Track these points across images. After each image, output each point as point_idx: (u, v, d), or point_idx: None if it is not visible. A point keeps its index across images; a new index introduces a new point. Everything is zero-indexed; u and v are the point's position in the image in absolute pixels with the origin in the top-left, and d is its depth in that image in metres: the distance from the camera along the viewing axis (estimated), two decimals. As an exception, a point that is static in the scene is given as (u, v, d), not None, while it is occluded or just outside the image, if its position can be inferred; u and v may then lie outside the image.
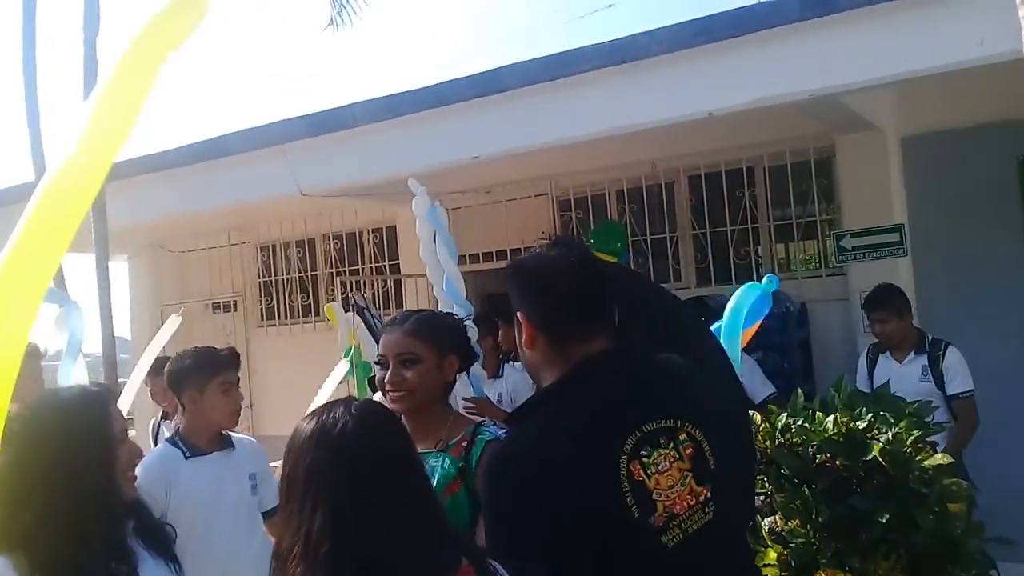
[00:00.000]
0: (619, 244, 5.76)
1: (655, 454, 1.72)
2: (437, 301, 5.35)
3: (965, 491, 2.90)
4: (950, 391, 4.35)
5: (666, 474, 1.72)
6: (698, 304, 5.02)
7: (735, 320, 3.82)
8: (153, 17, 1.16)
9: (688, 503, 1.73)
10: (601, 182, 6.74)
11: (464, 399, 3.51)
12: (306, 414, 1.51)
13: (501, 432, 2.16)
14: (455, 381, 2.31)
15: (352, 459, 1.41)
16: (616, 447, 1.69)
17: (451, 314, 2.37)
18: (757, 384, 4.59)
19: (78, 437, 1.74)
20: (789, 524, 2.83)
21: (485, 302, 7.82)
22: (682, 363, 1.92)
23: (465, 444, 2.15)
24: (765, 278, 3.96)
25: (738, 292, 3.83)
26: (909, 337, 4.47)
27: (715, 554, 1.79)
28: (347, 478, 1.39)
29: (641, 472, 1.69)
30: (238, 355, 3.08)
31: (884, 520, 2.72)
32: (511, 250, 7.23)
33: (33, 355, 3.30)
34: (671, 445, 1.75)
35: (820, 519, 2.77)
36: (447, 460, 2.12)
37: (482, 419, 2.26)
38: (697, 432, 1.79)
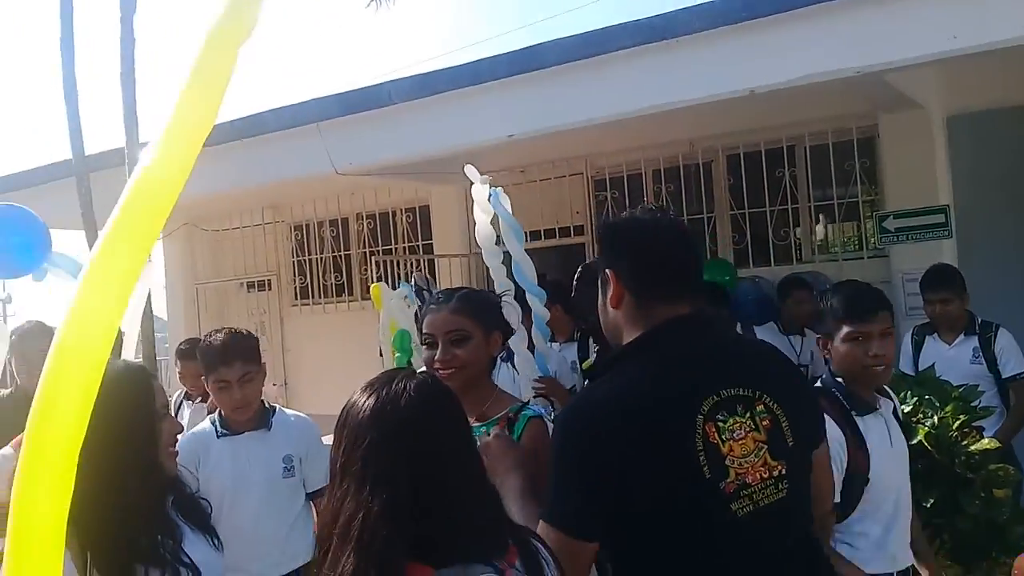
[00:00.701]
0: (727, 277, 5.73)
1: (731, 420, 1.71)
2: (472, 280, 5.30)
3: (1012, 477, 2.85)
4: (1006, 373, 4.29)
5: (740, 442, 1.70)
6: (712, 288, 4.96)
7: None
8: (224, 9, 1.14)
9: (761, 475, 1.71)
10: (637, 161, 6.66)
11: (534, 381, 3.54)
12: (363, 386, 1.47)
13: (545, 412, 2.18)
14: (497, 357, 2.33)
15: (413, 442, 1.38)
16: (693, 406, 1.68)
17: (492, 291, 2.38)
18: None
19: (124, 411, 1.74)
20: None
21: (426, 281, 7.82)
22: (762, 342, 1.94)
23: (510, 417, 2.17)
24: None
25: None
26: (963, 318, 4.39)
27: (782, 530, 1.76)
28: (407, 461, 1.36)
29: (716, 435, 1.68)
30: (248, 346, 2.93)
31: (929, 505, 2.69)
32: (545, 230, 7.19)
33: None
34: (747, 415, 1.73)
35: (864, 503, 2.73)
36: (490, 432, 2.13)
37: (526, 400, 2.27)
38: (776, 406, 1.77)
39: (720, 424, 1.69)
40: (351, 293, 8.47)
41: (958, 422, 2.85)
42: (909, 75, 4.48)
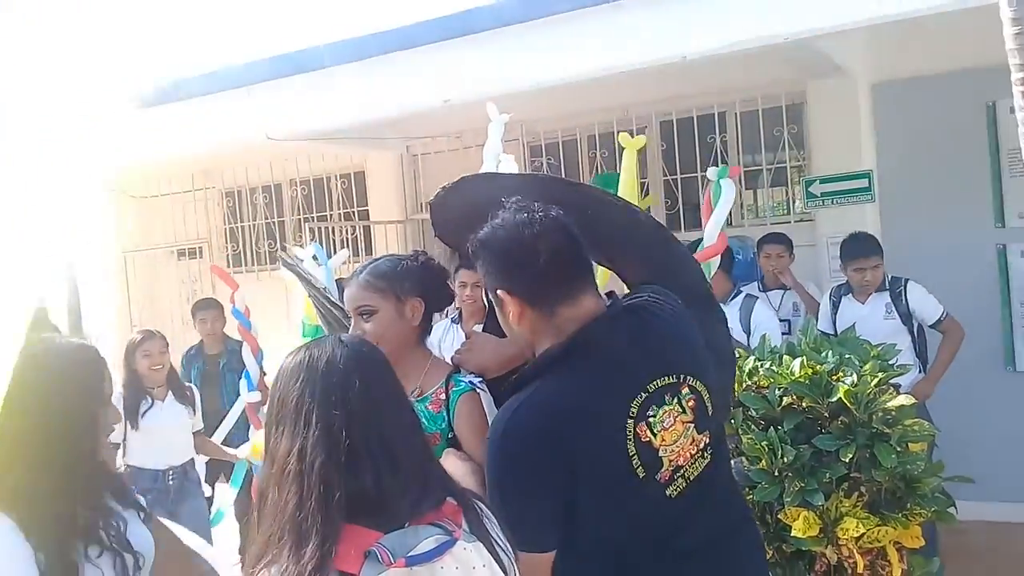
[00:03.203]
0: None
1: (660, 412, 1.76)
2: (407, 247, 5.28)
3: (926, 431, 2.99)
4: (930, 321, 4.57)
5: (671, 430, 1.76)
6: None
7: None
8: None
9: (690, 453, 1.79)
10: (572, 128, 6.69)
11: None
12: (291, 351, 1.49)
13: (475, 380, 2.16)
14: (428, 323, 2.26)
15: (344, 384, 1.40)
16: (622, 411, 1.71)
17: (422, 253, 2.31)
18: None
19: (76, 395, 1.72)
20: (755, 466, 2.91)
21: (423, 251, 7.79)
22: (674, 308, 1.92)
23: (443, 397, 2.13)
24: (714, 171, 4.22)
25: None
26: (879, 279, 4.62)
27: (712, 491, 1.85)
28: (340, 402, 1.38)
29: (648, 432, 1.73)
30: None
31: (848, 459, 2.80)
32: (481, 195, 7.18)
33: None
34: (675, 401, 1.78)
35: (785, 459, 2.85)
36: (426, 415, 2.11)
37: (455, 368, 2.24)
38: (697, 383, 1.83)
39: (651, 420, 1.74)
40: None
41: (876, 379, 2.97)
42: (837, 42, 4.58)
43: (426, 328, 2.26)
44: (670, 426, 1.77)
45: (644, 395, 1.74)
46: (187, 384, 4.96)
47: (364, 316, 2.15)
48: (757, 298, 4.77)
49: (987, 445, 4.87)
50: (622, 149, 5.76)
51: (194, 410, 4.84)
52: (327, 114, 5.26)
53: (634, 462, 1.70)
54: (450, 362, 2.25)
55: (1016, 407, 5.12)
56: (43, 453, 1.67)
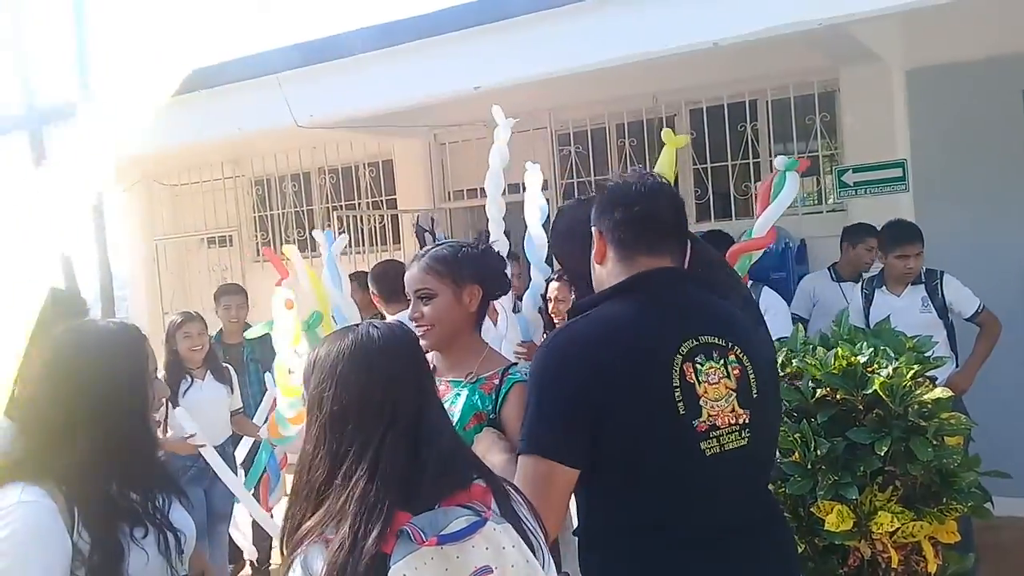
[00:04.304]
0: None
1: (707, 365, 1.80)
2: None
3: (963, 425, 2.93)
4: (967, 314, 4.47)
5: (714, 386, 1.80)
6: (718, 236, 4.96)
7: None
8: None
9: (729, 420, 1.80)
10: (601, 115, 6.65)
11: (517, 345, 3.55)
12: (324, 338, 1.51)
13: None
14: (483, 311, 2.30)
15: (375, 369, 1.44)
16: (673, 345, 1.77)
17: (483, 240, 2.36)
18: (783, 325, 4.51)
19: (122, 375, 1.75)
20: (787, 458, 2.87)
21: (485, 236, 7.79)
22: (731, 289, 2.08)
23: (496, 382, 2.17)
24: (782, 160, 3.89)
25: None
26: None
27: (741, 478, 1.85)
28: (371, 388, 1.42)
29: (693, 375, 1.77)
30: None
31: (882, 453, 2.76)
32: (509, 185, 7.14)
33: None
34: (721, 362, 1.82)
35: (818, 452, 2.81)
36: (478, 394, 2.14)
37: (515, 361, 2.27)
38: (745, 358, 1.86)
39: (697, 366, 1.78)
40: (314, 249, 8.37)
41: (912, 371, 2.92)
42: (871, 27, 4.49)
43: (482, 314, 2.29)
44: (714, 383, 1.80)
45: (694, 342, 1.79)
46: (225, 364, 5.04)
47: (423, 299, 2.19)
48: (763, 284, 4.67)
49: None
50: (656, 140, 5.70)
51: (232, 389, 4.95)
52: (357, 101, 5.26)
53: (676, 395, 1.74)
54: (504, 356, 2.29)
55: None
56: (92, 434, 1.69)
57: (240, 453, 5.23)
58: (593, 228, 1.94)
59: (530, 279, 3.42)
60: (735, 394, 1.82)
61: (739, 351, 1.85)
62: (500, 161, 3.61)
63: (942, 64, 5.28)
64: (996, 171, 5.23)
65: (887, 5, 3.64)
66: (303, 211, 8.48)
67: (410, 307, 2.21)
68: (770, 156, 6.21)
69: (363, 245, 7.44)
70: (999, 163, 5.23)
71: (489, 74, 4.65)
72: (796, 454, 2.81)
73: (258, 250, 8.74)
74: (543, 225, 3.37)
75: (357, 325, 1.50)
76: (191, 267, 8.85)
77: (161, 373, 4.38)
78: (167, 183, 8.79)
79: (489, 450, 1.88)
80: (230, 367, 5.08)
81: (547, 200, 6.78)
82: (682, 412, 1.73)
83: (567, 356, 1.76)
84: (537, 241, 3.56)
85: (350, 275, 6.38)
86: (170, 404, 4.54)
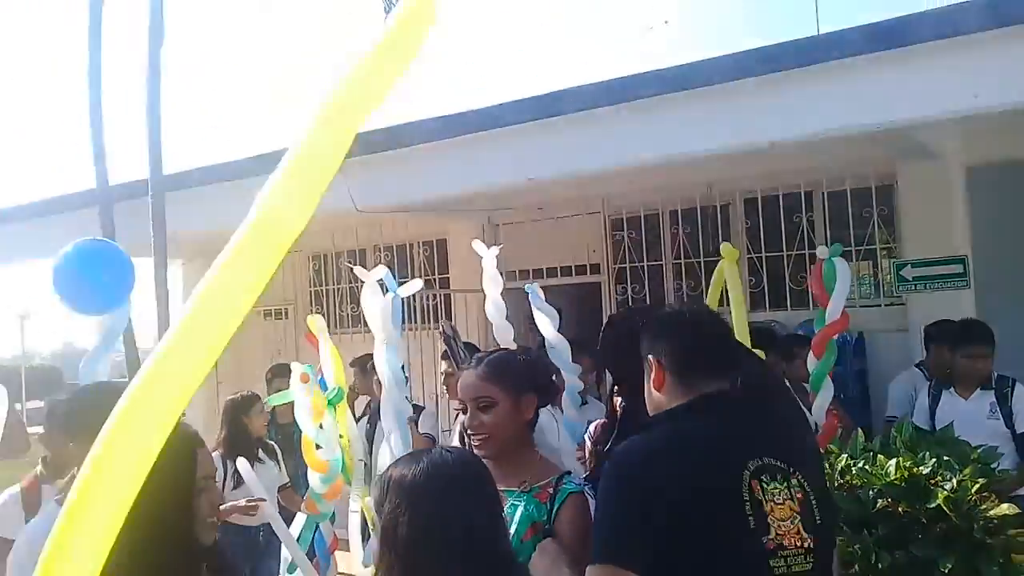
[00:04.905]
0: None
1: (772, 485, 1.81)
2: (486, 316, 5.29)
3: (1032, 544, 2.82)
4: (1019, 428, 4.26)
5: (780, 507, 1.80)
6: (762, 333, 4.91)
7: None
8: (387, 33, 1.14)
9: (795, 543, 1.80)
10: (654, 202, 6.70)
11: (577, 450, 3.56)
12: (397, 460, 1.54)
13: (587, 486, 2.17)
14: (536, 419, 2.30)
15: (447, 497, 1.48)
16: (742, 461, 1.80)
17: (525, 349, 2.39)
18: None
19: (162, 482, 1.76)
20: (848, 570, 2.79)
21: (452, 329, 7.82)
22: (792, 413, 2.12)
23: (551, 491, 2.14)
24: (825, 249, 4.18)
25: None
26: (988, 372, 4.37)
27: None
28: (444, 515, 1.46)
29: (760, 493, 1.79)
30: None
31: (946, 569, 2.67)
32: (561, 267, 7.22)
33: None
34: (785, 484, 1.83)
35: (880, 565, 2.73)
36: (533, 504, 2.12)
37: (568, 470, 2.26)
38: (807, 484, 1.86)
39: (764, 484, 1.79)
40: (367, 324, 8.49)
41: (977, 485, 2.84)
42: (929, 127, 4.50)
43: (535, 423, 2.29)
44: (780, 503, 1.80)
45: (760, 461, 1.81)
46: (270, 441, 5.16)
47: (483, 408, 2.18)
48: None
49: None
50: (710, 227, 5.74)
51: (279, 465, 4.97)
52: (414, 190, 5.38)
53: (747, 508, 1.74)
54: (555, 464, 2.28)
55: None
56: (134, 536, 1.71)
57: (294, 530, 5.23)
58: (649, 357, 2.00)
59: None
60: (799, 517, 1.81)
61: (800, 476, 1.85)
62: (495, 287, 3.76)
63: (1003, 161, 5.25)
64: (1059, 270, 5.14)
65: (942, 112, 3.65)
66: (357, 286, 8.59)
67: (467, 416, 2.19)
68: (827, 247, 6.16)
69: (415, 322, 7.51)
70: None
71: (544, 167, 4.73)
72: (856, 566, 2.74)
73: (312, 325, 8.87)
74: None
75: (430, 450, 1.51)
76: (247, 339, 9.00)
77: (216, 454, 4.42)
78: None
79: (555, 564, 1.86)
80: (276, 444, 5.18)
81: (600, 283, 6.88)
82: (752, 527, 1.74)
83: (641, 466, 1.79)
84: (560, 348, 3.65)
85: (351, 361, 6.46)
86: (230, 483, 4.61)
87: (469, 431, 2.17)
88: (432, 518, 1.41)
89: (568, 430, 3.80)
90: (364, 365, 6.04)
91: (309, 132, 1.20)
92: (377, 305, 3.92)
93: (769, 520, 1.76)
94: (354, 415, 6.42)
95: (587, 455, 3.43)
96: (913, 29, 3.61)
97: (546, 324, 3.59)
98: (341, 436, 4.26)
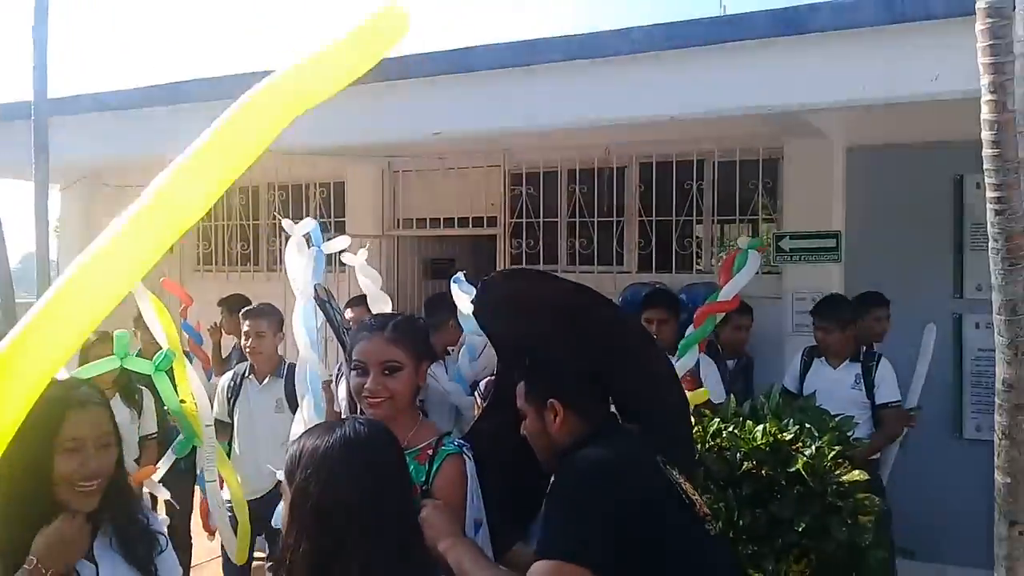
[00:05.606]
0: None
1: (675, 470, 2.18)
2: (382, 262, 5.22)
3: (876, 506, 3.12)
4: (879, 400, 4.61)
5: (687, 485, 2.19)
6: (670, 295, 5.16)
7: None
8: (353, 31, 1.14)
9: (704, 510, 2.18)
10: (554, 160, 6.80)
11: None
12: (309, 430, 1.59)
13: (465, 445, 2.24)
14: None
15: (369, 467, 1.54)
16: (656, 459, 2.16)
17: (412, 316, 2.42)
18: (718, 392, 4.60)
19: (25, 437, 1.75)
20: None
21: (429, 265, 7.89)
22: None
23: (430, 453, 2.20)
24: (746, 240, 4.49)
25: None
26: (847, 347, 4.69)
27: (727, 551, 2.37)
28: (357, 490, 1.51)
29: (675, 476, 2.16)
30: None
31: (800, 528, 2.93)
32: (459, 219, 7.27)
33: None
34: (675, 468, 2.20)
35: (741, 522, 2.97)
36: (412, 465, 2.14)
37: (448, 431, 2.33)
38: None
39: (672, 470, 2.16)
40: (256, 263, 8.38)
41: (833, 452, 3.10)
42: (817, 109, 4.73)
43: (419, 389, 2.35)
44: (684, 481, 2.19)
45: (663, 459, 2.17)
46: (139, 386, 4.80)
47: (388, 372, 2.18)
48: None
49: (936, 512, 5.01)
50: (606, 189, 5.89)
51: (139, 412, 4.79)
52: (317, 134, 5.28)
53: (680, 489, 2.11)
54: (434, 426, 2.35)
55: (962, 474, 5.28)
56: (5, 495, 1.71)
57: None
58: (550, 400, 2.17)
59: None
60: (696, 493, 2.21)
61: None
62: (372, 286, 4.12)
63: (881, 144, 5.57)
64: (923, 250, 5.53)
65: (833, 99, 3.86)
66: (248, 224, 8.43)
67: (370, 379, 2.17)
68: (712, 215, 6.43)
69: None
70: (927, 243, 5.53)
71: (450, 121, 4.75)
72: (719, 522, 2.96)
73: (199, 259, 8.67)
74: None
75: (343, 421, 1.57)
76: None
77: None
78: (110, 183, 8.63)
79: (447, 533, 1.90)
80: (145, 389, 4.82)
81: (496, 235, 6.97)
82: (687, 502, 2.11)
83: (606, 481, 1.98)
84: (473, 344, 3.81)
85: (219, 300, 6.36)
86: None
87: (368, 394, 2.17)
88: (342, 489, 1.46)
89: (458, 379, 3.93)
90: (231, 306, 5.93)
91: (235, 114, 1.20)
92: (300, 260, 3.82)
93: (693, 498, 2.14)
94: (219, 355, 6.31)
95: (475, 411, 3.56)
96: (812, 17, 3.80)
97: (464, 300, 3.64)
98: (183, 401, 3.95)
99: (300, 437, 1.58)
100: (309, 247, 3.93)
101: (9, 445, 1.64)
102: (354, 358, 2.23)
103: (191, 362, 5.25)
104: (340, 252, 4.22)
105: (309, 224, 3.95)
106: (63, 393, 1.83)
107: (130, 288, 1.27)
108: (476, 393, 3.51)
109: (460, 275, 3.72)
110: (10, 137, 5.79)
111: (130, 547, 1.89)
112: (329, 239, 4.09)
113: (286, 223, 3.89)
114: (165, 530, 2.07)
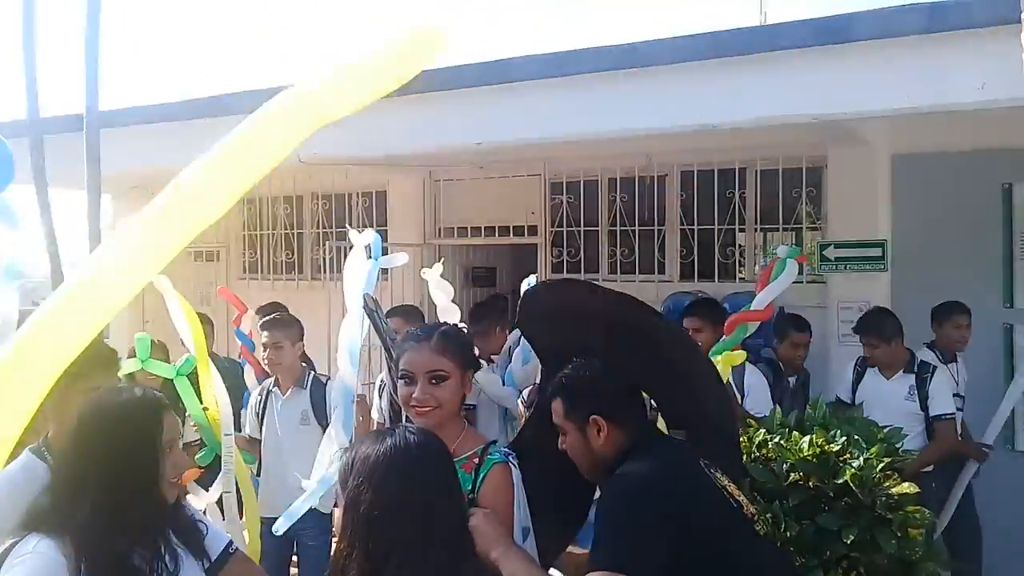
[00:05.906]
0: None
1: (719, 473, 2.23)
2: (421, 272, 5.29)
3: (926, 518, 3.08)
4: (932, 412, 4.55)
5: (732, 486, 2.25)
6: (711, 304, 5.14)
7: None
8: (391, 45, 1.16)
9: (751, 511, 2.26)
10: (595, 169, 6.80)
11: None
12: (362, 438, 1.62)
13: (511, 455, 2.25)
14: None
15: (420, 477, 1.58)
16: (700, 463, 2.22)
17: (457, 326, 2.47)
18: (762, 402, 4.58)
19: (129, 444, 1.84)
20: (759, 538, 2.99)
21: (470, 274, 7.93)
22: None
23: (476, 461, 2.21)
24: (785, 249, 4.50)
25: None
26: (898, 359, 4.63)
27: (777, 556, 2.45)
28: (408, 497, 1.55)
29: (721, 480, 2.21)
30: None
31: (848, 540, 2.89)
32: (499, 227, 7.30)
33: None
34: (719, 471, 2.26)
35: (788, 534, 2.94)
36: (460, 473, 2.18)
37: (493, 440, 2.34)
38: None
39: (716, 474, 2.21)
40: (301, 272, 8.49)
41: (881, 464, 3.05)
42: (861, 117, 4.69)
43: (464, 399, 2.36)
44: (728, 484, 2.25)
45: (704, 462, 2.23)
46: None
47: (435, 381, 2.20)
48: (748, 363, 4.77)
49: (986, 527, 4.92)
50: (647, 197, 5.86)
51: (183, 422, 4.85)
52: (359, 146, 5.35)
53: (726, 493, 2.17)
54: (481, 435, 2.38)
55: (1014, 486, 5.17)
56: (98, 497, 1.80)
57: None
58: (593, 417, 2.21)
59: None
60: (741, 495, 2.27)
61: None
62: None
63: (928, 152, 5.49)
64: (972, 259, 5.43)
65: (877, 109, 3.83)
66: (292, 233, 8.55)
67: (418, 388, 2.20)
68: (756, 224, 6.38)
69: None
70: (976, 252, 5.44)
71: (490, 132, 4.79)
72: (766, 533, 2.94)
73: (245, 267, 8.80)
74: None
75: (394, 430, 1.59)
76: (176, 280, 8.83)
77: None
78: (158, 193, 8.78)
79: (499, 541, 1.89)
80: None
81: (537, 244, 6.98)
82: (736, 507, 2.17)
83: (653, 497, 2.02)
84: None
85: (257, 309, 6.38)
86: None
87: (416, 403, 2.19)
88: (394, 497, 1.49)
89: (509, 382, 3.96)
90: (266, 314, 5.96)
91: (261, 119, 1.23)
92: (359, 273, 3.85)
93: (739, 499, 2.20)
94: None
95: (520, 419, 3.57)
96: (854, 27, 3.76)
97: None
98: (206, 409, 3.97)
99: (353, 445, 1.61)
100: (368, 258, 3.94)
101: (109, 453, 1.78)
102: (401, 367, 2.26)
103: (242, 369, 5.38)
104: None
105: (370, 236, 3.98)
106: (155, 398, 1.98)
107: (137, 291, 1.32)
108: (519, 401, 3.53)
109: (532, 277, 3.85)
110: (64, 149, 5.94)
111: (184, 536, 1.99)
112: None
113: (352, 233, 3.95)
114: (204, 517, 2.21)
